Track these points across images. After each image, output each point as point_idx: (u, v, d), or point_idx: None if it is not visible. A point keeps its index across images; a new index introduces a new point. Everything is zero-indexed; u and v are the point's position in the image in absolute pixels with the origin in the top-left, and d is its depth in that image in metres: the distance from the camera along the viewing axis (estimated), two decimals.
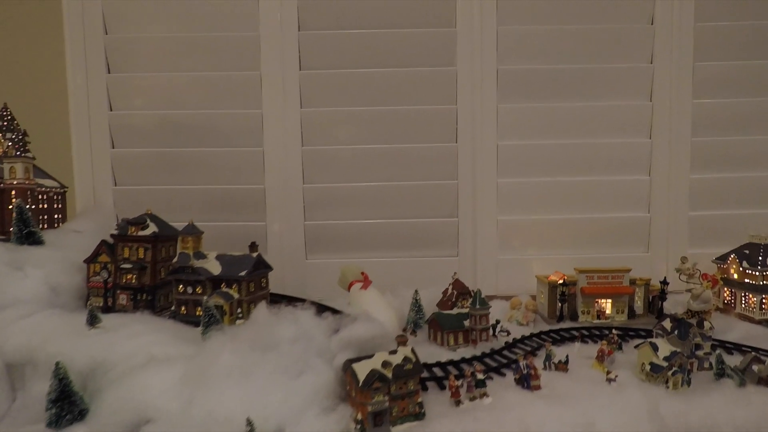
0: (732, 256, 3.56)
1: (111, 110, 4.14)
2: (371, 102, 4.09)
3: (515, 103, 4.08)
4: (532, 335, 3.02)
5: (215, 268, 2.53)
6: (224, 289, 2.46)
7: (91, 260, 2.76)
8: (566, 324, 3.27)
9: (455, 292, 3.24)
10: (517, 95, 4.07)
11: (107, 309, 2.68)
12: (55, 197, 3.35)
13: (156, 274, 2.69)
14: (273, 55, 4.05)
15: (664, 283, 3.39)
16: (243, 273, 2.47)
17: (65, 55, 4.10)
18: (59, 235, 3.05)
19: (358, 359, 1.98)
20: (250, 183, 4.14)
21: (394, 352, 2.04)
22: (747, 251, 3.51)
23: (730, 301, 3.54)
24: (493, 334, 2.91)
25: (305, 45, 4.05)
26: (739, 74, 4.07)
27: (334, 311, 2.67)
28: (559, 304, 3.36)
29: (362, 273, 2.98)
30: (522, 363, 2.23)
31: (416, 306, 3.16)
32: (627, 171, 4.16)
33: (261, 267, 2.67)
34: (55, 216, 3.35)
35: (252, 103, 4.09)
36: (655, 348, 2.45)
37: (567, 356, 2.51)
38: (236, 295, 2.46)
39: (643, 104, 4.11)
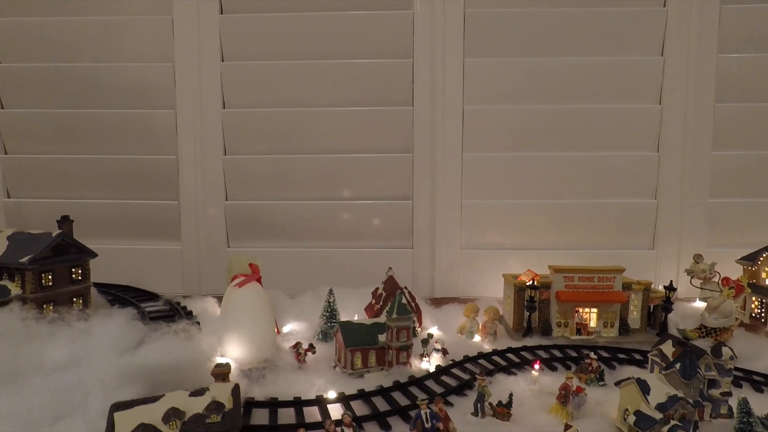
0: (765, 254, 2.68)
1: None
2: (308, 54, 3.29)
3: (486, 57, 3.23)
4: (480, 355, 2.20)
5: None
6: (3, 281, 1.72)
7: None
8: (533, 340, 2.44)
9: (384, 294, 2.43)
10: (489, 46, 3.22)
11: None
12: None
13: None
14: None
15: (670, 288, 2.53)
16: (25, 259, 1.71)
17: None
18: None
19: (130, 404, 1.19)
20: (160, 152, 3.39)
21: (200, 392, 1.25)
22: None
23: (760, 315, 2.66)
24: (424, 354, 2.10)
25: None
26: None
27: (177, 315, 1.89)
28: (527, 314, 2.53)
29: (251, 265, 2.20)
30: (424, 412, 1.42)
31: (329, 310, 2.36)
32: (629, 145, 3.28)
33: (70, 251, 1.91)
34: None
35: (162, 54, 3.33)
36: (644, 388, 1.62)
37: (511, 395, 1.69)
38: (15, 290, 1.70)
39: (652, 59, 3.21)
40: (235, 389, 1.28)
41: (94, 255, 2.02)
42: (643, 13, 3.18)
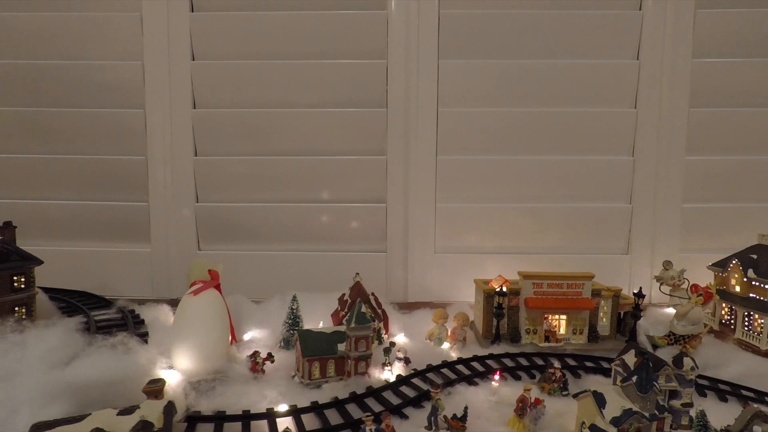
0: (734, 261, 2.66)
1: None
2: (280, 54, 3.23)
3: (461, 59, 3.19)
4: (444, 364, 2.16)
5: None
6: None
7: None
8: (501, 348, 2.41)
9: (349, 300, 2.39)
10: (463, 48, 3.18)
11: None
12: None
13: None
14: None
15: (639, 295, 2.51)
16: None
17: None
18: None
19: (52, 424, 1.14)
20: (128, 153, 3.32)
21: (129, 411, 1.20)
22: (755, 256, 2.61)
23: (729, 321, 2.65)
24: (386, 363, 2.05)
25: None
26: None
27: (126, 324, 1.83)
28: (495, 321, 2.49)
29: (210, 271, 2.14)
30: (369, 429, 1.37)
31: (292, 317, 2.31)
32: (604, 149, 3.26)
33: (12, 258, 1.84)
34: None
35: (131, 53, 3.25)
36: (600, 401, 1.59)
37: (465, 408, 1.65)
38: None
39: (627, 63, 3.19)
40: (168, 407, 1.22)
41: (38, 262, 1.94)
42: (619, 16, 3.15)
